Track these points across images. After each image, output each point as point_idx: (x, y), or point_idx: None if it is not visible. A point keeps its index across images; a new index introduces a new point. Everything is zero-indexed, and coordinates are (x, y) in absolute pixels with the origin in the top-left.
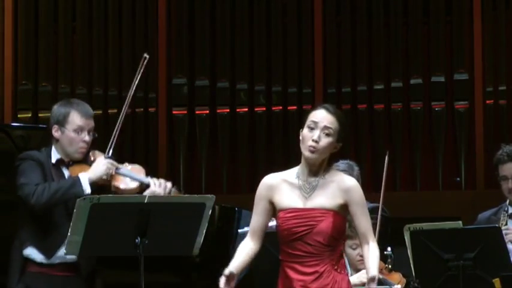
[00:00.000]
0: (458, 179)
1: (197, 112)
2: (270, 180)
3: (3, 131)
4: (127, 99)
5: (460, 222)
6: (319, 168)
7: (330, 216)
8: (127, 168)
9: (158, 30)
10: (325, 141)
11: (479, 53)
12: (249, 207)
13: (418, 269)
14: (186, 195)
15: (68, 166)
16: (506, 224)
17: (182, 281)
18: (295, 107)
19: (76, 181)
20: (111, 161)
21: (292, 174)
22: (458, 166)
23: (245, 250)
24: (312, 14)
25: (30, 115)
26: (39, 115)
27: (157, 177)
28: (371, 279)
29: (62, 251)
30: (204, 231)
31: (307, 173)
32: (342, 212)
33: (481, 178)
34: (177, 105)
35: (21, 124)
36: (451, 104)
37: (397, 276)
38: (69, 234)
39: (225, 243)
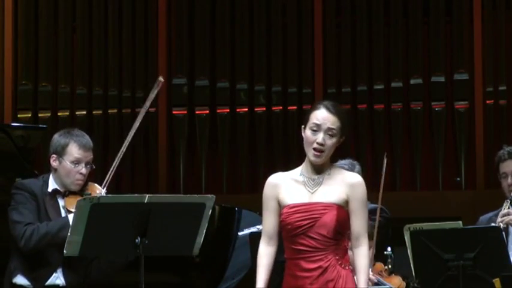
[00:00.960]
0: (458, 179)
1: (197, 112)
2: (274, 179)
3: (3, 131)
4: (133, 127)
5: (460, 222)
6: (324, 165)
7: (333, 210)
8: None
9: (158, 30)
10: (329, 142)
11: (479, 53)
12: (249, 207)
13: (418, 269)
14: (186, 195)
15: (63, 196)
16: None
17: (182, 281)
18: (295, 107)
19: (65, 224)
20: None
21: (297, 172)
22: (458, 166)
23: (265, 261)
24: (312, 14)
25: (30, 115)
26: (39, 115)
27: (158, 178)
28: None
29: (51, 279)
30: (204, 231)
31: (312, 170)
32: (346, 207)
33: (481, 178)
34: (177, 105)
35: (21, 124)
36: (451, 104)
37: (396, 280)
38: (69, 234)
39: (225, 243)
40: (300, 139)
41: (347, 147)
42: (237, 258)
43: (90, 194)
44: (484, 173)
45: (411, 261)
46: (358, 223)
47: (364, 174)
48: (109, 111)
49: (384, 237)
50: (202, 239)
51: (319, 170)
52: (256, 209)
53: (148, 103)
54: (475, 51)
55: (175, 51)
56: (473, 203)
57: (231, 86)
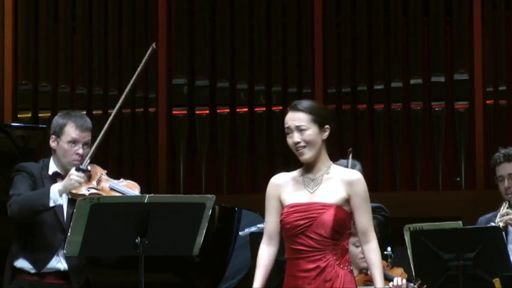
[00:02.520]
0: (458, 179)
1: (197, 112)
2: (276, 179)
3: (3, 131)
4: (125, 93)
5: (460, 222)
6: (320, 163)
7: (331, 209)
8: (122, 183)
9: (158, 30)
10: (305, 136)
11: (479, 53)
12: (249, 207)
13: (418, 269)
14: (186, 195)
15: (63, 179)
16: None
17: (182, 281)
18: None
19: (45, 192)
20: (81, 174)
21: (298, 172)
22: (458, 166)
23: (264, 262)
24: (312, 14)
25: (30, 115)
26: (39, 115)
27: (158, 178)
28: None
29: (52, 262)
30: (204, 231)
31: (310, 170)
32: (346, 206)
33: (481, 178)
34: (177, 105)
35: (21, 124)
36: (451, 104)
37: (399, 271)
38: (69, 234)
39: (225, 243)
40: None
41: (347, 147)
42: (237, 258)
43: (89, 176)
44: (484, 173)
45: (411, 261)
46: (363, 219)
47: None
48: (109, 111)
49: (384, 236)
50: (202, 239)
51: (318, 169)
52: (256, 209)
53: (140, 68)
54: (475, 51)
55: (175, 51)
56: (473, 203)
57: (231, 86)
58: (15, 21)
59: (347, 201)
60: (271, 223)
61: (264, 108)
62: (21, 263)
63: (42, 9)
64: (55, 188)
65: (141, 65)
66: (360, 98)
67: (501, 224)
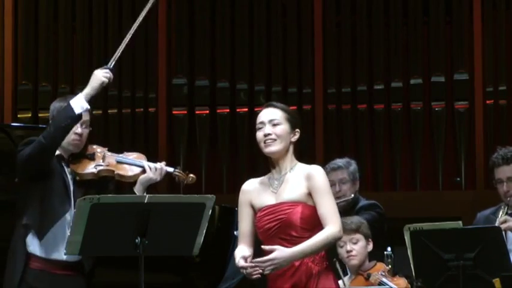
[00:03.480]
0: (458, 179)
1: (197, 112)
2: (246, 186)
3: (3, 131)
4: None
5: (460, 222)
6: (285, 163)
7: (298, 207)
8: (128, 156)
9: (158, 30)
10: (277, 129)
11: (479, 53)
12: None
13: (418, 269)
14: (186, 195)
15: (67, 162)
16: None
17: (182, 281)
18: (295, 107)
19: (67, 107)
20: (108, 71)
21: (266, 176)
22: (458, 166)
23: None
24: (312, 14)
25: (30, 115)
26: (39, 115)
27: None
28: (274, 251)
29: (58, 254)
30: (204, 231)
31: (276, 170)
32: (310, 201)
33: (481, 178)
34: (177, 105)
35: (21, 124)
36: (451, 104)
37: (402, 282)
38: (69, 234)
39: (225, 243)
40: (298, 139)
41: (347, 147)
42: None
43: (93, 155)
44: (484, 173)
45: (411, 261)
46: (323, 206)
47: (364, 174)
48: (109, 111)
49: (379, 233)
50: (202, 239)
51: (283, 169)
52: None
53: (140, 17)
54: (475, 51)
55: (175, 51)
56: (473, 203)
57: (231, 86)
58: (15, 21)
59: (309, 195)
60: (243, 229)
61: None
62: (33, 246)
63: (42, 9)
64: (78, 97)
65: (142, 14)
66: (360, 98)
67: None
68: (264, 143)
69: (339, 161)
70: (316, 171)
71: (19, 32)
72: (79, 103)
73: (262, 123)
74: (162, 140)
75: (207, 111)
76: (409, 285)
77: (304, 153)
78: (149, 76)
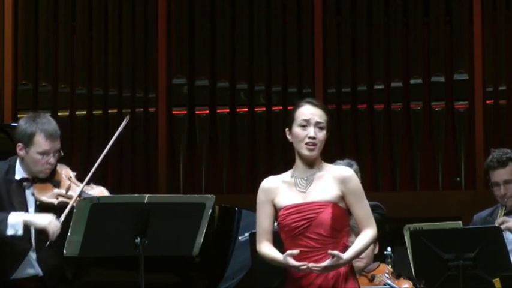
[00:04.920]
0: (458, 179)
1: (197, 112)
2: (267, 183)
3: (3, 131)
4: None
5: (460, 222)
6: (315, 163)
7: (328, 208)
8: (91, 191)
9: (158, 30)
10: (320, 135)
11: (479, 53)
12: (249, 207)
13: (418, 269)
14: (186, 195)
15: (31, 183)
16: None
17: (182, 281)
18: None
19: (3, 220)
20: (59, 228)
21: (288, 174)
22: (458, 166)
23: (270, 248)
24: (312, 14)
25: None
26: None
27: (158, 178)
28: (336, 256)
29: (21, 269)
30: (204, 231)
31: (303, 169)
32: (341, 203)
33: (481, 178)
34: (177, 105)
35: None
36: (451, 104)
37: (408, 285)
38: (69, 234)
39: (225, 243)
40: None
41: (347, 147)
42: (237, 258)
43: (59, 182)
44: (484, 173)
45: (411, 261)
46: (360, 210)
47: (364, 174)
48: (109, 111)
49: (381, 234)
50: (202, 239)
51: (311, 168)
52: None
53: (114, 137)
54: (475, 51)
55: (175, 51)
56: (473, 203)
57: (231, 86)
58: (15, 21)
59: (341, 198)
60: (266, 226)
61: (264, 108)
62: None
63: (42, 9)
64: (19, 217)
65: (116, 134)
66: (360, 98)
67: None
68: (306, 144)
69: (340, 163)
70: (351, 174)
71: (19, 32)
72: (16, 225)
73: (307, 122)
74: (162, 140)
75: (207, 111)
76: None
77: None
78: (149, 76)
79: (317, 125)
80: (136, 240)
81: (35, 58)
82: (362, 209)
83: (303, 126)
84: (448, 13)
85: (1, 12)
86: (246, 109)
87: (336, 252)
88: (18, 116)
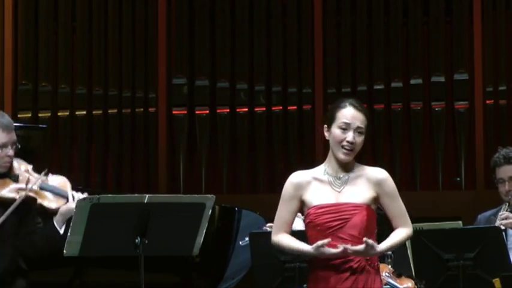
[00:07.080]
0: (458, 179)
1: (197, 112)
2: (297, 178)
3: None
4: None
5: (460, 222)
6: (349, 164)
7: (363, 210)
8: (52, 183)
9: (158, 30)
10: (359, 140)
11: (479, 53)
12: (249, 207)
13: (418, 269)
14: (186, 195)
15: None
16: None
17: (182, 281)
18: (295, 107)
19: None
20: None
21: (320, 171)
22: (458, 166)
23: (289, 237)
24: (312, 14)
25: (30, 115)
26: (39, 115)
27: (158, 178)
28: (370, 245)
29: None
30: (204, 231)
31: (337, 169)
32: (373, 205)
33: (481, 178)
34: (177, 105)
35: (21, 124)
36: (451, 104)
37: (409, 284)
38: (69, 234)
39: (225, 243)
40: (299, 139)
41: None
42: (237, 258)
43: (17, 176)
44: (484, 173)
45: (411, 261)
46: (395, 211)
47: None
48: (109, 111)
49: (380, 234)
50: (202, 239)
51: (345, 168)
52: (256, 209)
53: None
54: (475, 51)
55: (175, 51)
56: (473, 203)
57: (231, 86)
58: (15, 22)
59: (375, 199)
60: (287, 219)
61: (264, 108)
62: None
63: (42, 9)
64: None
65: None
66: (360, 98)
67: (502, 227)
68: (343, 148)
69: None
70: (386, 176)
71: (19, 32)
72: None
73: (348, 125)
74: (162, 140)
75: (207, 111)
76: (416, 287)
77: (305, 153)
78: (149, 76)
79: (357, 129)
80: (137, 240)
81: (35, 58)
82: (398, 208)
83: (343, 129)
84: (448, 13)
85: (1, 12)
86: (246, 109)
87: (371, 241)
88: (18, 116)
